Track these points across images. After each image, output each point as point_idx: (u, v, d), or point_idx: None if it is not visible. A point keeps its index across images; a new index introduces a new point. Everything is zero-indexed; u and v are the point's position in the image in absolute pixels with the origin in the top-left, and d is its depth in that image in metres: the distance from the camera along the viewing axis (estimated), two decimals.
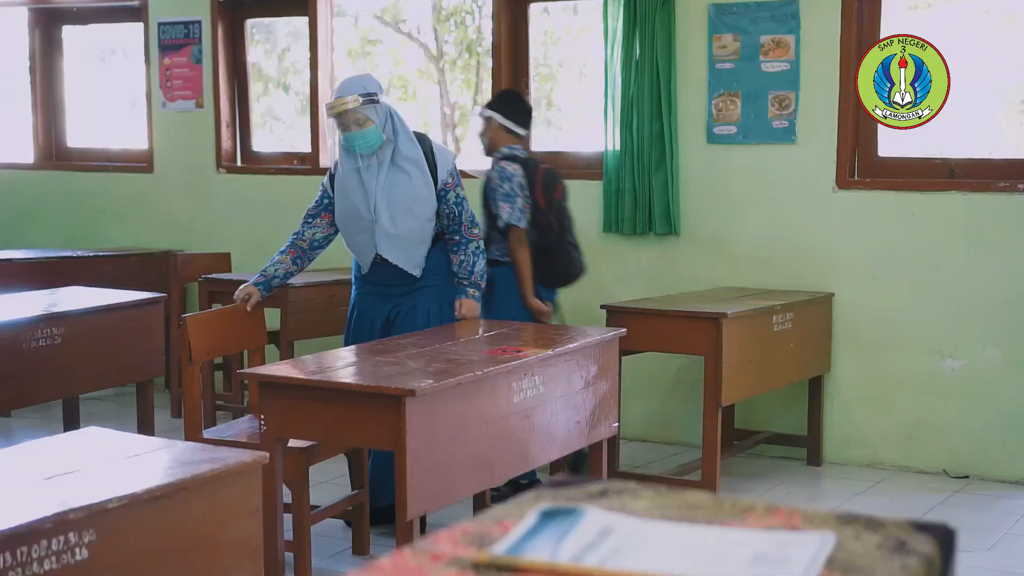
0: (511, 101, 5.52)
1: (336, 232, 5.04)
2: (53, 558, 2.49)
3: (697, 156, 6.45)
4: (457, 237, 4.97)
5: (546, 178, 5.40)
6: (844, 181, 6.15)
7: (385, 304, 4.98)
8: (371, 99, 4.79)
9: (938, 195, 5.95)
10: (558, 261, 5.45)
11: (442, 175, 4.92)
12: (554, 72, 7.67)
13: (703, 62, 6.40)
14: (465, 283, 4.99)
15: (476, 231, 5.01)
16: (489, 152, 5.45)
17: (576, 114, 7.53)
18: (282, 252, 5.04)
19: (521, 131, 5.47)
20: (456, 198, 4.95)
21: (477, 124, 5.52)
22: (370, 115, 4.79)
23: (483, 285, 5.03)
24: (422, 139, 4.96)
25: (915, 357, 6.05)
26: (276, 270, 5.01)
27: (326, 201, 5.01)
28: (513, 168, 5.32)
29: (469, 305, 4.97)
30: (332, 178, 4.98)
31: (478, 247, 4.99)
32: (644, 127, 6.41)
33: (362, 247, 4.93)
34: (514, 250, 5.33)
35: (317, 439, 4.17)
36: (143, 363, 5.68)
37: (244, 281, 5.49)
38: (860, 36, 6.10)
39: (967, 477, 5.95)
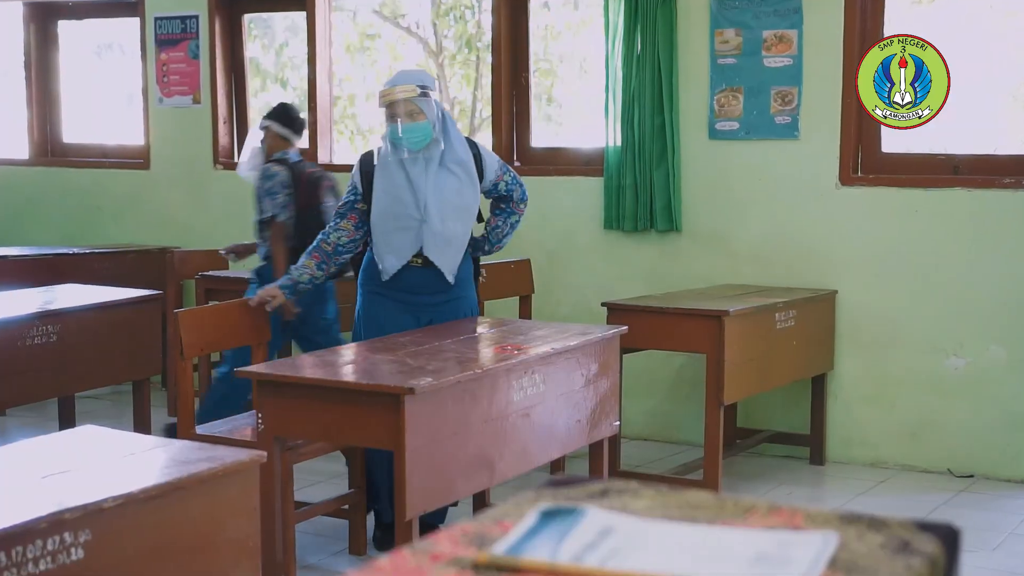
0: (285, 112, 6.04)
1: (363, 235, 4.80)
2: (48, 558, 2.49)
3: (699, 152, 6.45)
4: (504, 206, 4.95)
5: (310, 180, 5.82)
6: (847, 177, 6.15)
7: (411, 314, 4.77)
8: (426, 92, 4.67)
9: (942, 192, 5.95)
10: None
11: (489, 174, 4.84)
12: (554, 67, 7.67)
13: (705, 57, 6.40)
14: (485, 245, 4.97)
15: (523, 207, 5.00)
16: (268, 159, 5.95)
17: (577, 110, 7.53)
18: (308, 254, 4.83)
19: (295, 138, 6.00)
20: (508, 183, 4.91)
21: (256, 136, 6.05)
22: (424, 109, 4.65)
23: (499, 249, 5.04)
24: (470, 144, 4.86)
25: (919, 355, 6.05)
26: (301, 274, 4.80)
27: (353, 199, 4.78)
28: (277, 168, 5.80)
29: None
30: (364, 175, 4.76)
31: (517, 220, 4.99)
32: (645, 123, 6.41)
33: (400, 247, 4.69)
34: (273, 242, 5.75)
35: (315, 438, 4.17)
36: (140, 361, 5.68)
37: (242, 279, 5.50)
38: (863, 31, 6.09)
39: (971, 476, 5.95)
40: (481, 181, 4.81)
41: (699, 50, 6.40)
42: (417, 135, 4.65)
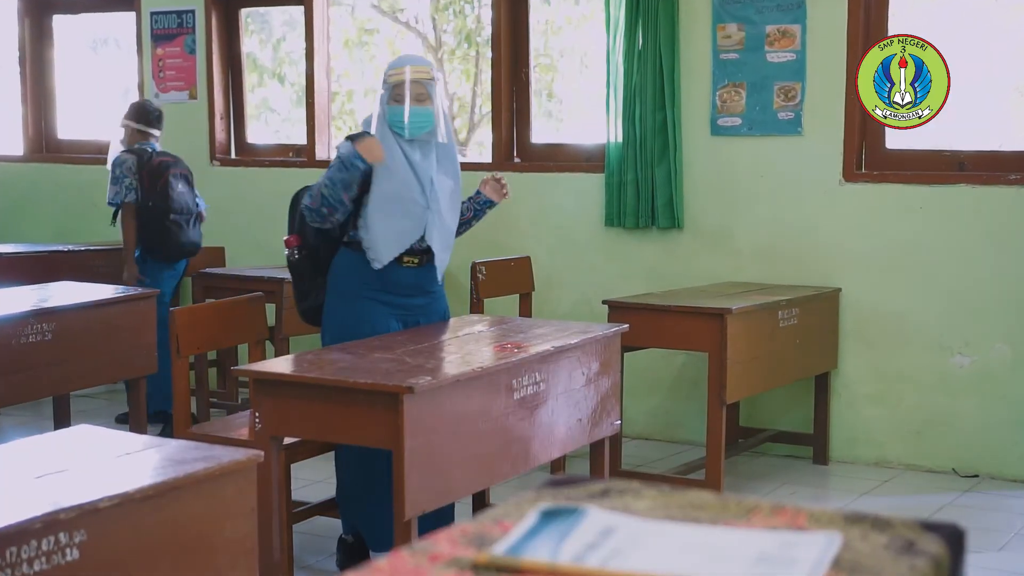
0: (140, 108, 6.86)
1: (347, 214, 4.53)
2: (43, 559, 2.48)
3: (701, 148, 6.45)
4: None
5: (154, 167, 6.60)
6: (851, 174, 6.15)
7: (397, 318, 4.62)
8: (435, 78, 4.54)
9: (947, 188, 5.95)
10: (158, 237, 6.59)
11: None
12: (555, 62, 7.67)
13: (707, 52, 6.39)
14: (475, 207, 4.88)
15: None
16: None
17: (577, 105, 7.52)
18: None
19: (152, 130, 6.80)
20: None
21: (118, 133, 6.85)
22: (432, 94, 4.48)
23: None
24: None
25: (923, 353, 6.05)
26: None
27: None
28: (125, 156, 6.63)
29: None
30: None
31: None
32: (647, 119, 6.41)
33: (401, 234, 4.49)
34: (122, 223, 6.62)
35: (313, 437, 4.16)
36: (135, 359, 5.67)
37: (241, 276, 5.48)
38: (867, 25, 6.09)
39: (977, 476, 5.95)
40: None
41: (701, 45, 6.40)
42: (422, 119, 4.49)
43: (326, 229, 4.56)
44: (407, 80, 4.45)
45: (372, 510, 4.45)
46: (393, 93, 4.49)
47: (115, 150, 6.82)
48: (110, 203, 6.63)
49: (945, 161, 6.04)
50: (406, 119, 4.47)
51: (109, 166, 6.75)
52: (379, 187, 4.48)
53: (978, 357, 5.95)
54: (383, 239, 4.50)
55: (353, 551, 4.65)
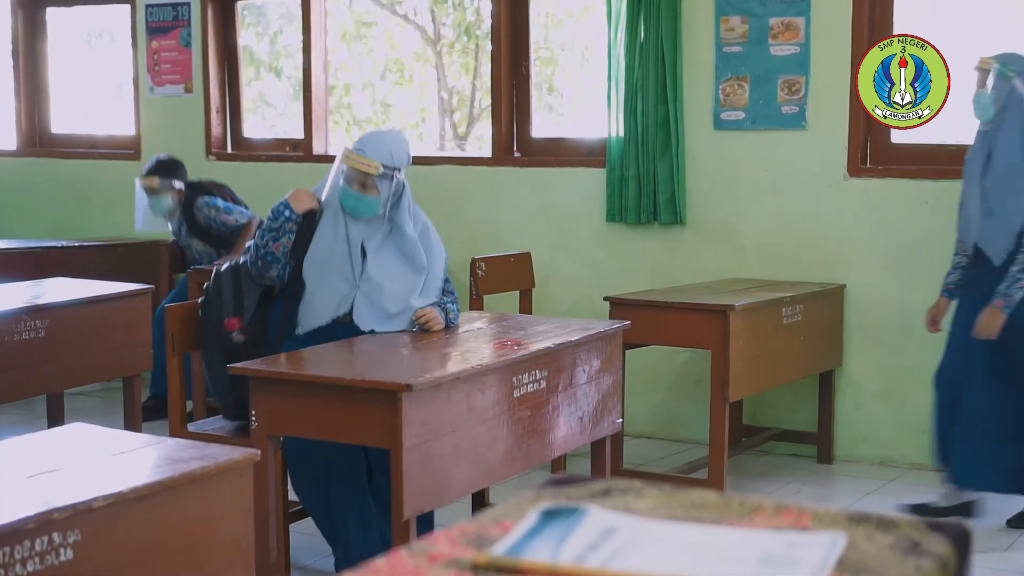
0: (178, 166, 6.93)
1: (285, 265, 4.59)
2: (36, 559, 2.48)
3: (704, 143, 6.45)
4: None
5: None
6: (856, 168, 6.15)
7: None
8: (390, 172, 4.51)
9: (953, 183, 5.92)
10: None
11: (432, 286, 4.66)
12: (555, 56, 7.67)
13: (710, 45, 6.39)
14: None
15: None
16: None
17: (578, 99, 7.52)
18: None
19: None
20: (447, 305, 4.66)
21: (169, 198, 6.88)
22: (380, 187, 4.50)
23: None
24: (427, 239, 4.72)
25: (930, 350, 6.03)
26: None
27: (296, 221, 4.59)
28: (202, 202, 6.83)
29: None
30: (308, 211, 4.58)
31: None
32: (649, 113, 6.41)
33: (333, 300, 4.53)
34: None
35: (310, 436, 4.16)
36: (130, 357, 5.68)
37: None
38: (872, 18, 6.09)
39: None
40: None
41: (704, 38, 6.40)
42: (362, 207, 4.51)
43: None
44: (359, 170, 4.49)
45: (337, 521, 4.38)
46: (346, 168, 4.54)
47: (157, 214, 6.89)
48: (237, 226, 6.84)
49: (952, 155, 6.02)
50: (347, 201, 4.54)
51: (203, 219, 6.84)
52: (315, 247, 4.56)
53: None
54: (311, 303, 4.54)
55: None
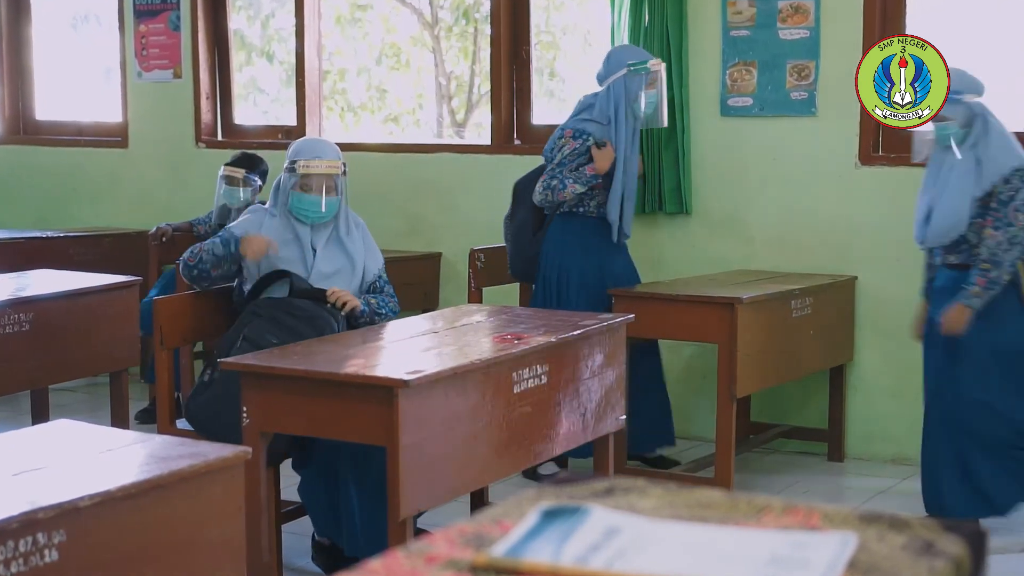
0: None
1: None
2: (20, 560, 2.49)
3: (710, 130, 6.45)
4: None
5: None
6: (867, 156, 6.15)
7: None
8: (344, 169, 4.85)
9: None
10: None
11: (370, 275, 4.92)
12: (557, 40, 7.66)
13: (716, 29, 6.39)
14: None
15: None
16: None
17: (580, 85, 7.51)
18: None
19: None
20: (383, 302, 4.90)
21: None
22: (339, 186, 4.81)
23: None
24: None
25: None
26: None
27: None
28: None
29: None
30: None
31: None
32: None
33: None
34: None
35: (303, 433, 4.16)
36: (117, 351, 5.68)
37: None
38: (884, 1, 6.08)
39: None
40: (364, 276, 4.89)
41: (710, 21, 6.39)
42: (324, 209, 4.77)
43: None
44: (319, 173, 4.75)
45: (339, 513, 4.41)
46: (299, 183, 4.76)
47: (233, 205, 6.80)
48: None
49: None
50: (311, 208, 4.76)
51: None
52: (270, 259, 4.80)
53: None
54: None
55: (330, 554, 4.63)
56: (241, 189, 6.75)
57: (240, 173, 6.74)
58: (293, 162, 4.78)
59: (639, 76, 5.69)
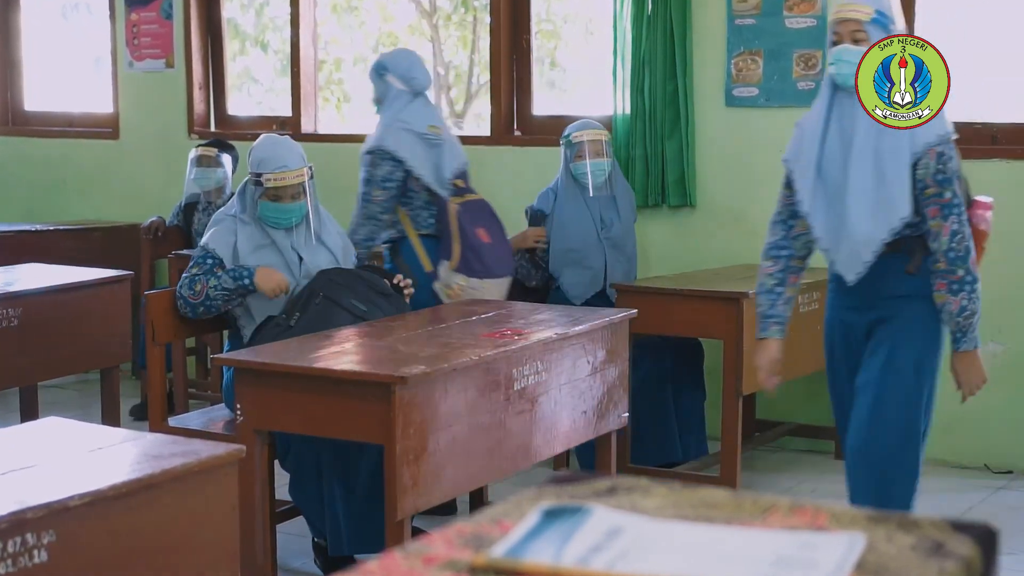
0: None
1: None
2: (9, 561, 2.49)
3: (715, 120, 6.44)
4: None
5: None
6: None
7: None
8: (311, 172, 4.90)
9: (979, 163, 5.93)
10: None
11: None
12: (558, 29, 7.67)
13: (721, 17, 6.38)
14: None
15: None
16: None
17: (582, 75, 7.52)
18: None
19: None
20: None
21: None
22: (309, 188, 4.85)
23: None
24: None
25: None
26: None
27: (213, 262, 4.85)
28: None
29: None
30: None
31: None
32: (657, 89, 6.40)
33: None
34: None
35: (298, 431, 4.17)
36: (108, 347, 5.68)
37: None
38: None
39: (1010, 472, 5.96)
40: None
41: (715, 9, 6.39)
42: (293, 214, 4.82)
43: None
44: (290, 184, 4.79)
45: (330, 510, 4.41)
46: (270, 193, 4.78)
47: (201, 187, 6.96)
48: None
49: (977, 134, 6.02)
50: (281, 216, 4.81)
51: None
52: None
53: (1012, 345, 5.94)
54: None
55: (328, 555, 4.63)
56: (215, 170, 6.90)
57: (213, 152, 6.91)
58: (258, 175, 4.78)
59: (571, 147, 5.86)
